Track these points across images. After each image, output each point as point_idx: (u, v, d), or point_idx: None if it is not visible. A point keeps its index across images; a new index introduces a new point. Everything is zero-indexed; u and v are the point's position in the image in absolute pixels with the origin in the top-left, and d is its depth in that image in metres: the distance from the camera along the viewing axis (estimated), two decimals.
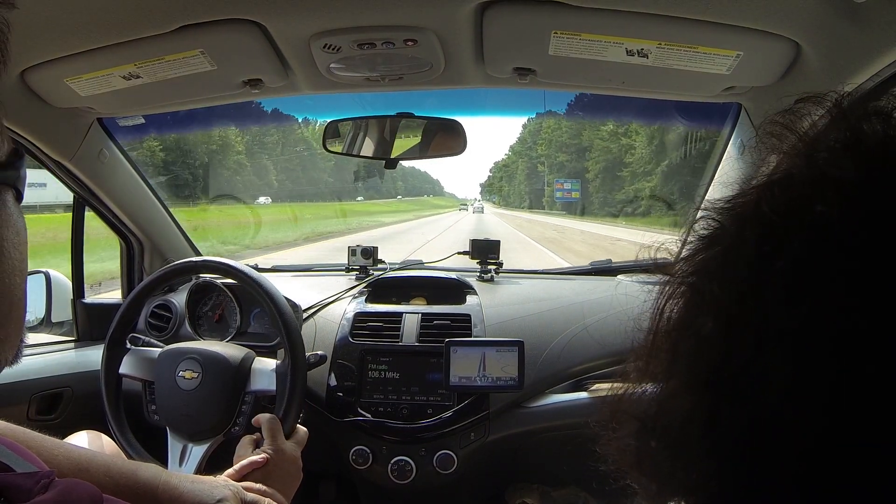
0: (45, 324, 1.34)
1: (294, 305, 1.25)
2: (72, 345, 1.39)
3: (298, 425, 1.03)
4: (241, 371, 1.09)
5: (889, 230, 0.22)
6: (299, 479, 0.92)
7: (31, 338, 1.35)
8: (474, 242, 1.54)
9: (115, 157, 1.31)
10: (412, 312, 1.30)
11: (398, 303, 1.41)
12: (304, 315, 1.32)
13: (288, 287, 1.36)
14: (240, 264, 1.14)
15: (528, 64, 0.97)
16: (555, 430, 1.21)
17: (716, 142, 1.25)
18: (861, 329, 0.22)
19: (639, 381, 0.30)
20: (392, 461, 1.17)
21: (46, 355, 1.32)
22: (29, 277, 0.38)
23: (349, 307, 1.34)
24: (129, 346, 1.15)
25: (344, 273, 1.56)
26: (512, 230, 18.32)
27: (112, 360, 1.12)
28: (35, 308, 1.33)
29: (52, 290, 1.35)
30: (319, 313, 1.35)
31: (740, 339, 0.24)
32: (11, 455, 0.38)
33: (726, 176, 1.22)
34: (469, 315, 1.29)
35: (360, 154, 1.27)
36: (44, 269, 1.37)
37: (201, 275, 1.36)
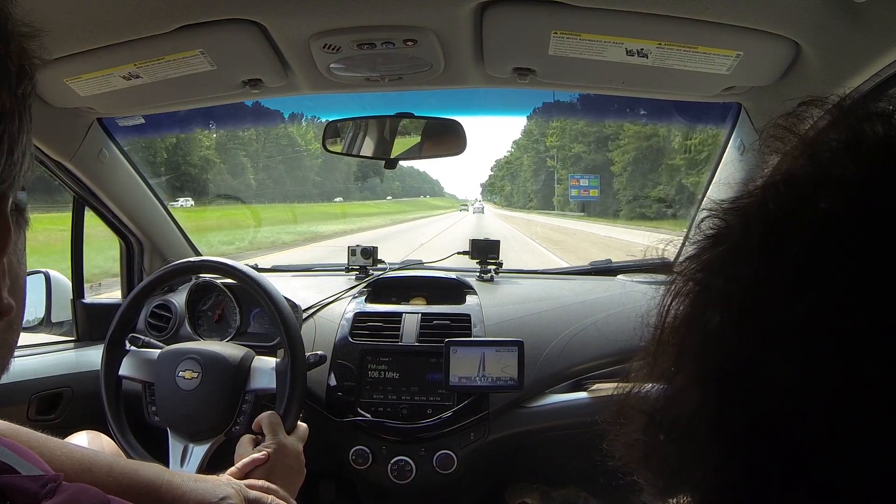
0: (45, 324, 1.34)
1: (294, 305, 1.25)
2: (72, 345, 1.39)
3: (299, 421, 1.03)
4: (241, 370, 1.09)
5: (890, 228, 0.22)
6: (303, 475, 0.92)
7: (32, 338, 1.35)
8: (474, 242, 1.54)
9: (114, 157, 1.31)
10: (412, 312, 1.30)
11: (398, 303, 1.41)
12: (304, 315, 1.33)
13: (287, 287, 1.36)
14: (240, 264, 1.14)
15: (528, 64, 0.97)
16: (555, 429, 1.21)
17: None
18: (863, 325, 0.22)
19: (646, 378, 0.30)
20: (392, 461, 1.17)
21: (46, 355, 1.32)
22: (29, 277, 0.39)
23: (349, 307, 1.34)
24: (128, 346, 1.15)
25: (344, 273, 1.56)
26: (522, 236, 16.24)
27: (112, 360, 1.12)
28: (35, 308, 1.33)
29: (51, 290, 1.35)
30: (319, 313, 1.35)
31: (746, 334, 0.25)
32: (14, 457, 0.38)
33: (727, 176, 1.22)
34: (469, 315, 1.29)
35: (360, 154, 1.27)
36: (44, 270, 1.37)
37: (201, 275, 1.36)
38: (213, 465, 1.03)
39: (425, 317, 1.29)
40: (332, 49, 0.91)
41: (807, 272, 0.23)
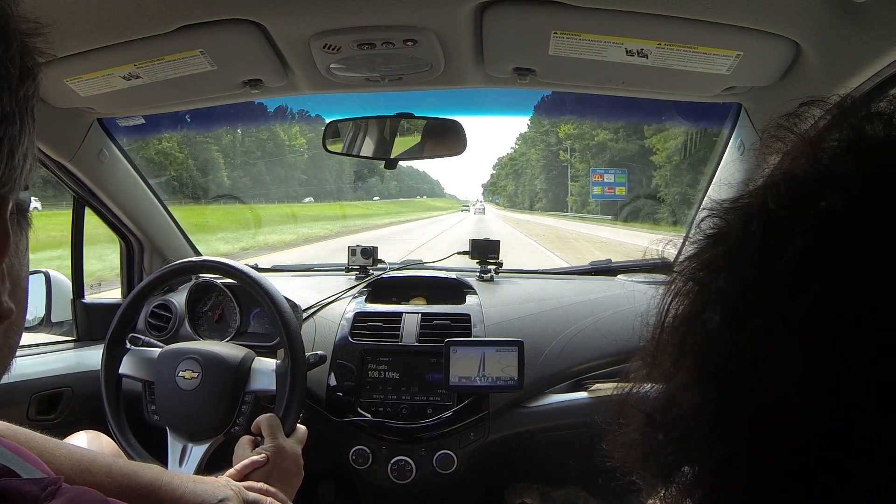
0: (45, 324, 1.34)
1: (294, 305, 1.25)
2: (72, 345, 1.39)
3: (298, 424, 1.03)
4: (241, 371, 1.09)
5: (890, 226, 0.22)
6: (301, 477, 0.92)
7: (32, 338, 1.36)
8: (474, 242, 1.54)
9: (114, 157, 1.31)
10: (412, 312, 1.30)
11: (398, 303, 1.41)
12: (304, 315, 1.33)
13: (288, 287, 1.36)
14: (240, 264, 1.14)
15: (528, 64, 0.97)
16: (554, 429, 1.21)
17: None
18: (864, 324, 0.22)
19: (646, 377, 0.30)
20: (392, 461, 1.17)
21: (46, 355, 1.32)
22: (29, 277, 0.39)
23: (349, 307, 1.34)
24: (129, 346, 1.15)
25: (344, 273, 1.56)
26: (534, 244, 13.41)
27: (112, 360, 1.12)
28: (35, 308, 1.33)
29: (51, 290, 1.35)
30: (319, 313, 1.35)
31: (746, 332, 0.25)
32: (14, 459, 0.38)
33: (727, 176, 1.22)
34: (469, 315, 1.29)
35: (361, 154, 1.27)
36: (44, 269, 1.37)
37: (201, 275, 1.36)
38: (211, 465, 1.03)
39: (425, 317, 1.29)
40: (332, 49, 0.91)
41: (807, 270, 0.23)
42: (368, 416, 1.20)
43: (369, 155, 1.27)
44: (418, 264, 1.61)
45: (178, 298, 1.40)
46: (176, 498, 0.70)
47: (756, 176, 0.28)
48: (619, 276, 1.52)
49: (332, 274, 1.60)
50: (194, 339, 1.28)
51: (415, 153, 1.25)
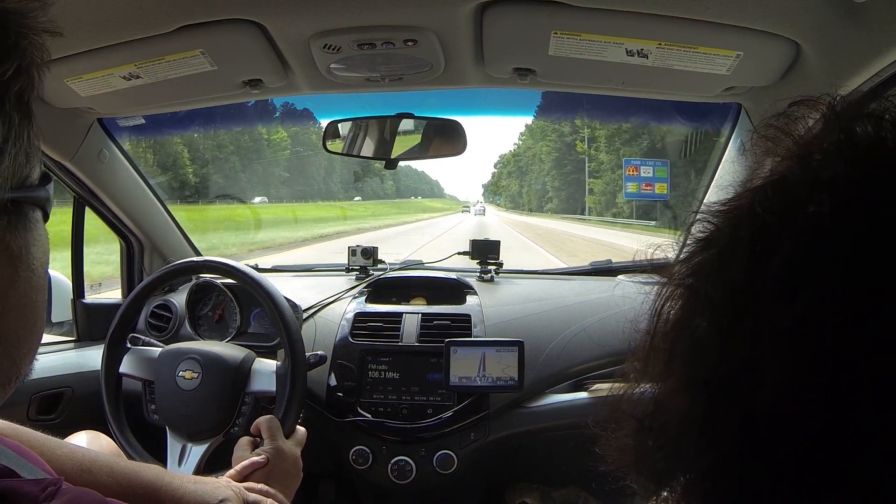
0: (45, 324, 1.34)
1: (294, 305, 1.25)
2: (72, 345, 1.39)
3: (297, 425, 1.03)
4: (241, 371, 1.09)
5: (880, 230, 0.22)
6: (299, 479, 0.92)
7: None
8: (474, 242, 1.54)
9: (115, 157, 1.32)
10: (412, 312, 1.31)
11: (398, 303, 1.41)
12: (304, 315, 1.33)
13: (288, 287, 1.36)
14: (240, 264, 1.14)
15: (528, 64, 0.97)
16: (555, 430, 1.21)
17: None
18: (855, 328, 0.22)
19: (638, 382, 0.30)
20: (392, 461, 1.17)
21: (46, 355, 1.32)
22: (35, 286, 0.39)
23: (349, 307, 1.34)
24: (129, 346, 1.15)
25: (344, 273, 1.56)
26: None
27: (112, 359, 1.12)
28: None
29: (52, 290, 1.35)
30: (319, 313, 1.35)
31: (735, 338, 0.24)
32: (16, 458, 0.38)
33: (726, 177, 1.22)
34: (469, 315, 1.29)
35: (361, 154, 1.27)
36: None
37: (201, 275, 1.36)
38: (211, 465, 1.03)
39: (425, 317, 1.29)
40: (333, 49, 0.91)
41: (796, 276, 0.23)
42: (368, 416, 1.20)
43: (369, 155, 1.27)
44: (418, 264, 1.61)
45: (179, 298, 1.40)
46: (176, 498, 0.70)
47: (751, 177, 0.28)
48: (619, 277, 1.52)
49: (333, 274, 1.60)
50: (194, 340, 1.28)
51: (415, 153, 1.25)
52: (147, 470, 0.72)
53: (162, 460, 1.05)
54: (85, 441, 1.01)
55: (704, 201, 1.32)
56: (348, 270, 1.55)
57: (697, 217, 0.28)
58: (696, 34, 0.84)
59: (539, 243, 14.13)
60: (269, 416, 0.96)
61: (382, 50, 0.91)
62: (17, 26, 0.31)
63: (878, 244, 0.22)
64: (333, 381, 1.23)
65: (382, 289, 1.46)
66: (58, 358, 1.32)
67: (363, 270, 1.52)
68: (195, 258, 1.42)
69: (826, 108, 0.26)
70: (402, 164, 1.28)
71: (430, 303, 1.40)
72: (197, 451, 1.04)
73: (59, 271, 1.39)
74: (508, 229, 19.56)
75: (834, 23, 0.75)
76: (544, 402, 1.21)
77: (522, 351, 1.15)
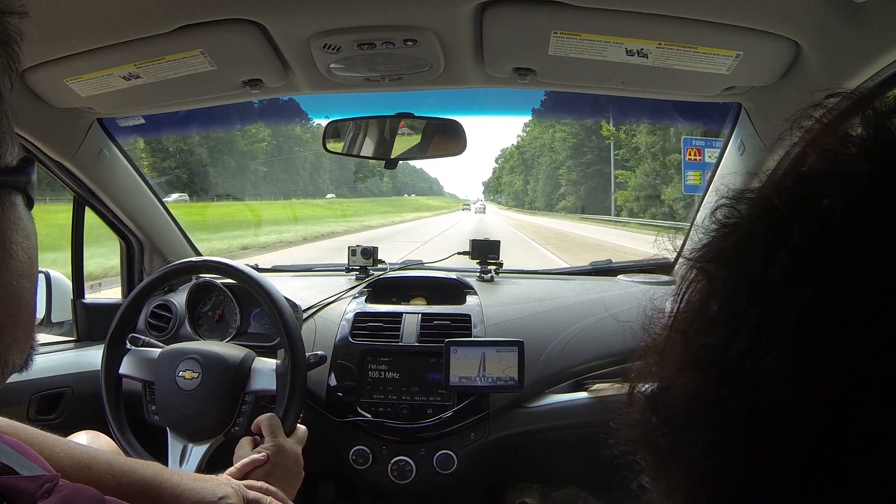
0: (45, 324, 1.34)
1: (294, 305, 1.25)
2: (72, 345, 1.39)
3: (298, 424, 1.03)
4: (241, 371, 1.09)
5: (892, 230, 0.22)
6: (301, 477, 0.92)
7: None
8: (474, 242, 1.54)
9: (115, 157, 1.32)
10: (412, 312, 1.30)
11: (398, 303, 1.41)
12: (304, 315, 1.33)
13: (288, 287, 1.36)
14: (240, 264, 1.14)
15: (528, 64, 0.97)
16: (555, 429, 1.21)
17: None
18: (859, 325, 0.22)
19: (656, 364, 0.30)
20: (392, 461, 1.17)
21: (46, 355, 1.32)
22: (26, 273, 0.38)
23: (349, 307, 1.34)
24: (129, 346, 1.15)
25: (344, 273, 1.56)
26: None
27: (112, 360, 1.12)
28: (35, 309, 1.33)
29: (52, 290, 1.35)
30: (319, 313, 1.35)
31: (743, 325, 0.25)
32: (14, 455, 0.38)
33: (727, 176, 1.22)
34: (469, 315, 1.29)
35: (361, 154, 1.27)
36: (44, 270, 1.37)
37: (201, 275, 1.36)
38: (211, 465, 1.03)
39: (425, 317, 1.29)
40: (332, 49, 0.91)
41: (801, 268, 0.23)
42: (368, 416, 1.20)
43: (369, 155, 1.27)
44: (418, 264, 1.61)
45: (179, 298, 1.40)
46: (176, 495, 0.70)
47: (761, 170, 0.28)
48: (619, 277, 1.52)
49: (333, 274, 1.60)
50: (194, 340, 1.28)
51: (415, 153, 1.25)
52: (146, 467, 0.72)
53: (163, 461, 1.04)
54: (85, 441, 1.01)
55: (704, 200, 1.33)
56: (348, 270, 1.55)
57: (721, 203, 0.28)
58: (696, 34, 0.84)
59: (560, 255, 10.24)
60: (269, 414, 0.96)
61: (382, 50, 0.91)
62: None
63: (888, 243, 0.22)
64: (333, 381, 1.23)
65: (382, 289, 1.46)
66: (58, 358, 1.32)
67: (363, 270, 1.52)
68: (195, 258, 1.42)
69: (855, 101, 0.26)
70: (399, 162, 1.28)
71: (430, 303, 1.40)
72: (198, 452, 1.04)
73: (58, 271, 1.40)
74: (514, 231, 17.32)
75: (834, 23, 0.75)
76: (544, 402, 1.21)
77: (522, 351, 1.15)
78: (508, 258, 1.57)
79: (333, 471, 1.33)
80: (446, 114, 1.21)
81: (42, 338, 1.37)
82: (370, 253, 1.53)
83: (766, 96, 1.00)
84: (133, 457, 1.03)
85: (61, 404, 1.26)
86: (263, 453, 0.87)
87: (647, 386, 0.30)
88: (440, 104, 1.32)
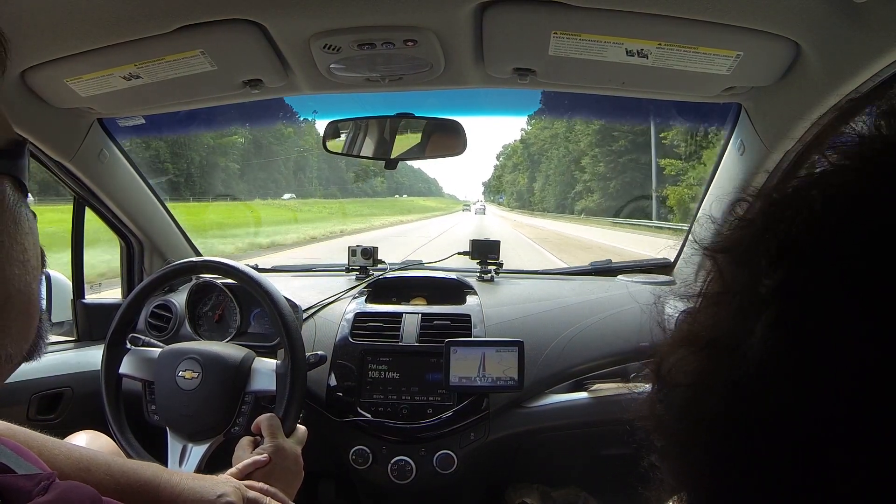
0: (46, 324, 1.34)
1: (294, 305, 1.25)
2: (72, 345, 1.40)
3: (298, 424, 1.03)
4: (241, 371, 1.09)
5: (867, 225, 0.23)
6: (301, 477, 0.92)
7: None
8: (474, 243, 1.54)
9: (115, 157, 1.32)
10: (412, 312, 1.31)
11: (398, 303, 1.41)
12: (304, 315, 1.33)
13: (288, 287, 1.36)
14: (240, 264, 1.14)
15: (528, 64, 0.97)
16: (555, 429, 1.21)
17: None
18: (829, 302, 0.23)
19: (677, 343, 0.32)
20: (392, 461, 1.17)
21: (46, 355, 1.31)
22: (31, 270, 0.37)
23: (349, 307, 1.34)
24: (129, 346, 1.15)
25: (344, 273, 1.56)
26: None
27: (112, 360, 1.12)
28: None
29: (52, 290, 1.35)
30: (319, 313, 1.35)
31: (734, 302, 0.27)
32: (12, 456, 0.38)
33: (727, 176, 1.22)
34: (469, 315, 1.29)
35: (361, 154, 1.27)
36: (44, 270, 1.37)
37: (201, 275, 1.36)
38: (211, 465, 1.03)
39: (425, 317, 1.29)
40: (333, 49, 0.91)
41: (785, 254, 0.25)
42: (368, 416, 1.20)
43: (369, 155, 1.27)
44: (418, 264, 1.61)
45: (179, 299, 1.40)
46: (175, 495, 0.70)
47: (759, 170, 0.30)
48: (619, 277, 1.52)
49: (333, 274, 1.60)
50: (194, 340, 1.28)
51: (415, 153, 1.25)
52: (145, 468, 0.72)
53: (163, 461, 1.05)
54: (85, 441, 1.01)
55: (704, 201, 1.33)
56: (348, 270, 1.55)
57: (740, 198, 0.30)
58: (696, 34, 0.84)
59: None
60: (269, 414, 0.96)
61: (382, 50, 0.91)
62: None
63: (862, 241, 0.23)
64: (333, 381, 1.23)
65: (382, 289, 1.46)
66: (58, 358, 1.32)
67: (363, 270, 1.53)
68: (195, 258, 1.42)
69: (861, 96, 0.27)
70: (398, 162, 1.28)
71: (430, 303, 1.40)
72: (198, 451, 1.04)
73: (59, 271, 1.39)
74: (523, 238, 14.58)
75: (834, 23, 0.75)
76: (544, 402, 1.21)
77: (522, 351, 1.15)
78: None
79: (333, 471, 1.33)
80: (446, 114, 1.21)
81: (28, 315, 1.37)
82: (370, 253, 1.53)
83: (766, 96, 1.00)
84: (133, 456, 1.03)
85: (61, 404, 1.26)
86: (264, 454, 0.87)
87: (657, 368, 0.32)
88: (440, 104, 1.32)
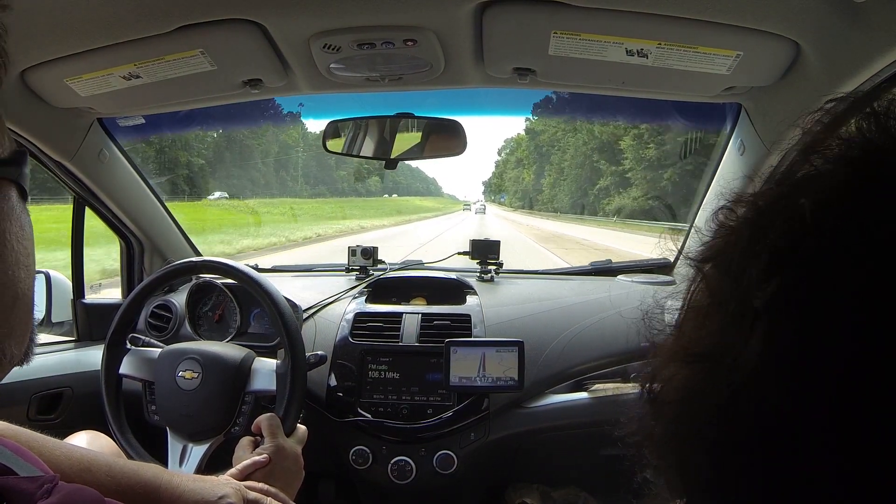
0: (45, 324, 1.34)
1: (294, 305, 1.25)
2: (72, 345, 1.39)
3: (298, 424, 1.03)
4: (241, 371, 1.09)
5: (863, 232, 0.23)
6: (301, 477, 0.92)
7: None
8: (474, 243, 1.54)
9: (115, 157, 1.32)
10: (412, 312, 1.31)
11: (398, 303, 1.41)
12: (304, 315, 1.33)
13: (288, 287, 1.36)
14: (240, 264, 1.14)
15: (528, 64, 0.97)
16: (555, 430, 1.21)
17: None
18: (824, 313, 0.23)
19: (656, 359, 0.32)
20: (392, 461, 1.17)
21: (46, 355, 1.32)
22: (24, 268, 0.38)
23: (349, 307, 1.34)
24: (129, 346, 1.15)
25: (344, 273, 1.56)
26: None
27: (112, 360, 1.12)
28: (35, 308, 1.33)
29: (52, 290, 1.35)
30: (319, 313, 1.35)
31: (725, 318, 0.26)
32: (13, 458, 0.38)
33: (727, 176, 1.22)
34: (469, 315, 1.29)
35: (361, 154, 1.27)
36: (44, 270, 1.37)
37: (201, 275, 1.36)
38: (211, 465, 1.03)
39: (425, 317, 1.29)
40: (332, 49, 0.91)
41: (778, 263, 0.24)
42: (368, 416, 1.20)
43: (369, 155, 1.27)
44: (418, 264, 1.61)
45: (179, 299, 1.40)
46: (176, 496, 0.70)
47: (759, 172, 0.29)
48: (619, 277, 1.52)
49: (333, 274, 1.60)
50: (194, 340, 1.28)
51: (415, 153, 1.25)
52: (146, 469, 0.72)
53: (163, 461, 1.05)
54: (85, 441, 1.01)
55: (704, 201, 1.33)
56: (348, 270, 1.55)
57: (722, 205, 0.29)
58: (696, 34, 0.84)
59: None
60: (269, 414, 0.96)
61: (382, 50, 0.91)
62: None
63: (851, 240, 0.23)
64: (333, 381, 1.23)
65: (382, 289, 1.46)
66: (58, 358, 1.32)
67: (363, 270, 1.53)
68: (195, 258, 1.42)
69: (839, 102, 0.27)
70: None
71: (430, 303, 1.40)
72: (198, 452, 1.04)
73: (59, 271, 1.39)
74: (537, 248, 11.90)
75: (834, 23, 0.75)
76: (544, 403, 1.21)
77: (522, 351, 1.15)
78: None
79: (333, 471, 1.33)
80: (446, 114, 1.21)
81: (42, 338, 1.37)
82: (370, 253, 1.53)
83: (766, 96, 1.00)
84: (133, 457, 1.03)
85: (61, 404, 1.26)
86: (265, 455, 0.87)
87: (647, 383, 0.31)
88: (440, 104, 1.32)
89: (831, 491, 0.23)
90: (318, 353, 1.15)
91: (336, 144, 1.27)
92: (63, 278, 1.39)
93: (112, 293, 1.57)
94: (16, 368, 0.38)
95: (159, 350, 1.13)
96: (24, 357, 0.38)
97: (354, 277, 1.51)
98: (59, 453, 0.67)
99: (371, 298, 1.40)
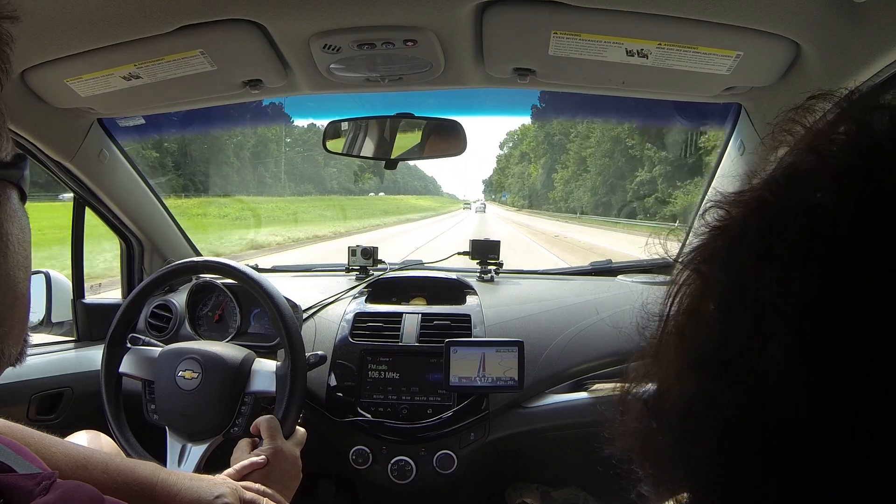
0: (45, 324, 1.35)
1: (294, 305, 1.25)
2: (72, 345, 1.39)
3: (297, 426, 1.03)
4: (241, 372, 1.09)
5: (887, 221, 0.22)
6: (299, 479, 0.92)
7: (32, 338, 1.35)
8: (474, 243, 1.54)
9: (115, 157, 1.32)
10: (412, 312, 1.31)
11: (398, 303, 1.41)
12: (304, 315, 1.33)
13: (288, 287, 1.36)
14: (240, 265, 1.14)
15: (528, 64, 0.97)
16: (555, 430, 1.21)
17: None
18: (857, 315, 0.22)
19: (650, 368, 0.30)
20: (392, 461, 1.17)
21: (46, 355, 1.32)
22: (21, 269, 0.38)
23: (349, 307, 1.34)
24: (129, 346, 1.15)
25: (344, 273, 1.56)
26: None
27: (112, 359, 1.12)
28: (35, 308, 1.33)
29: (52, 290, 1.35)
30: (319, 313, 1.35)
31: (740, 320, 0.25)
32: (12, 455, 0.38)
33: (727, 176, 1.22)
34: (469, 315, 1.29)
35: (361, 154, 1.27)
36: (44, 270, 1.37)
37: (201, 275, 1.36)
38: (210, 465, 1.03)
39: (425, 317, 1.29)
40: (332, 49, 0.91)
41: (798, 259, 0.23)
42: (368, 416, 1.20)
43: (369, 155, 1.27)
44: (418, 265, 1.61)
45: (179, 299, 1.40)
46: (172, 494, 0.70)
47: (759, 171, 0.28)
48: (619, 277, 1.52)
49: (333, 274, 1.60)
50: (194, 340, 1.28)
51: (415, 153, 1.25)
52: (143, 467, 0.72)
53: (162, 460, 1.04)
54: (85, 441, 1.01)
55: (704, 202, 1.33)
56: (348, 270, 1.55)
57: (711, 205, 0.28)
58: (696, 34, 0.84)
59: None
60: (268, 416, 0.96)
61: (382, 50, 0.91)
62: None
63: (883, 235, 0.22)
64: (333, 381, 1.23)
65: (382, 289, 1.46)
66: (58, 358, 1.32)
67: (363, 270, 1.53)
68: (195, 258, 1.42)
69: (842, 99, 0.27)
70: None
71: (430, 303, 1.40)
72: (197, 452, 1.04)
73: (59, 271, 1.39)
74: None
75: (834, 23, 0.75)
76: (544, 403, 1.21)
77: (522, 351, 1.15)
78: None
79: (333, 471, 1.33)
80: (446, 114, 1.21)
81: (42, 338, 1.37)
82: (370, 253, 1.53)
83: (766, 96, 1.00)
84: (132, 456, 1.03)
85: (61, 404, 1.26)
86: (262, 456, 0.87)
87: (643, 391, 0.30)
88: (440, 104, 1.32)
89: (853, 490, 0.22)
90: (318, 353, 1.15)
91: (336, 145, 1.27)
92: (63, 278, 1.39)
93: (112, 293, 1.57)
94: (16, 369, 0.38)
95: (159, 350, 1.13)
96: (19, 357, 0.38)
97: (354, 277, 1.51)
98: (57, 451, 0.67)
99: (371, 298, 1.40)
